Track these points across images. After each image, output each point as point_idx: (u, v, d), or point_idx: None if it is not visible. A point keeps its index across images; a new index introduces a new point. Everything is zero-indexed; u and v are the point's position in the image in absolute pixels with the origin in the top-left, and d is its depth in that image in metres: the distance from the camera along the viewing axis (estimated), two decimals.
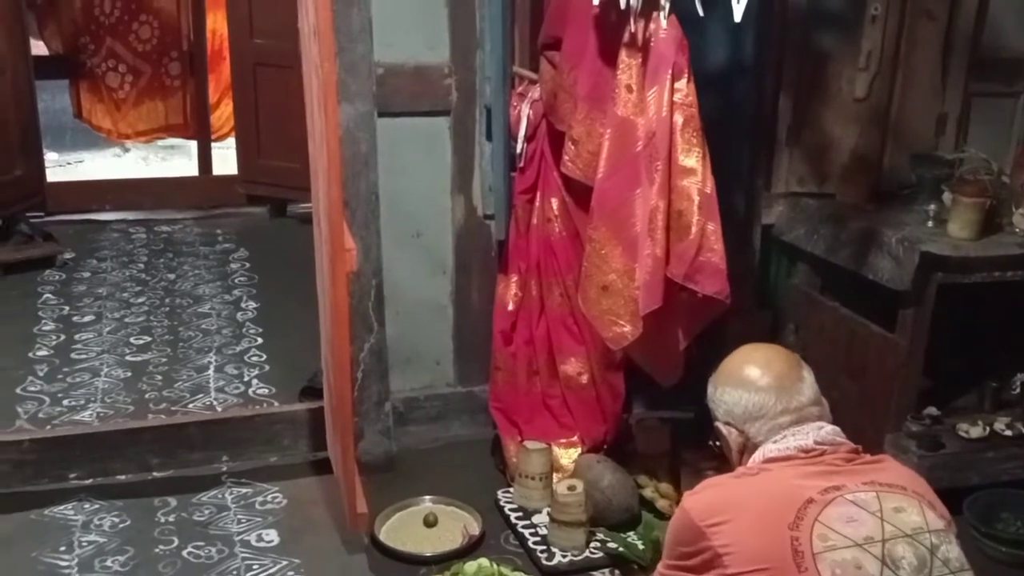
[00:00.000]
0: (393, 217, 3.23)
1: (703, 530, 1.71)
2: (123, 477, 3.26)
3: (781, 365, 1.90)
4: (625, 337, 2.87)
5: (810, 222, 3.46)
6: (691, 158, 2.72)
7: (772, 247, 3.61)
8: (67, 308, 4.69)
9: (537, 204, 3.19)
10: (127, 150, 7.76)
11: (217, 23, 6.55)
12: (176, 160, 7.70)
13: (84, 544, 2.97)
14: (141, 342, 4.34)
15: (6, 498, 3.12)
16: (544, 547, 2.94)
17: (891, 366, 3.12)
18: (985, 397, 3.44)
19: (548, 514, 3.00)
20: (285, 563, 2.90)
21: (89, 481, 3.23)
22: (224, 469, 3.35)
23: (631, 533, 2.99)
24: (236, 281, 5.12)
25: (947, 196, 3.24)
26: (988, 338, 3.47)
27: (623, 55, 2.77)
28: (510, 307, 3.29)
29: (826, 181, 3.53)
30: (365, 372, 3.27)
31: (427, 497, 3.17)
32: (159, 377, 4.01)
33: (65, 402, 3.78)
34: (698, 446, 3.08)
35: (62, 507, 3.13)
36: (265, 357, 4.21)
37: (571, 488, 2.93)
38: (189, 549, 2.96)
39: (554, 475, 3.15)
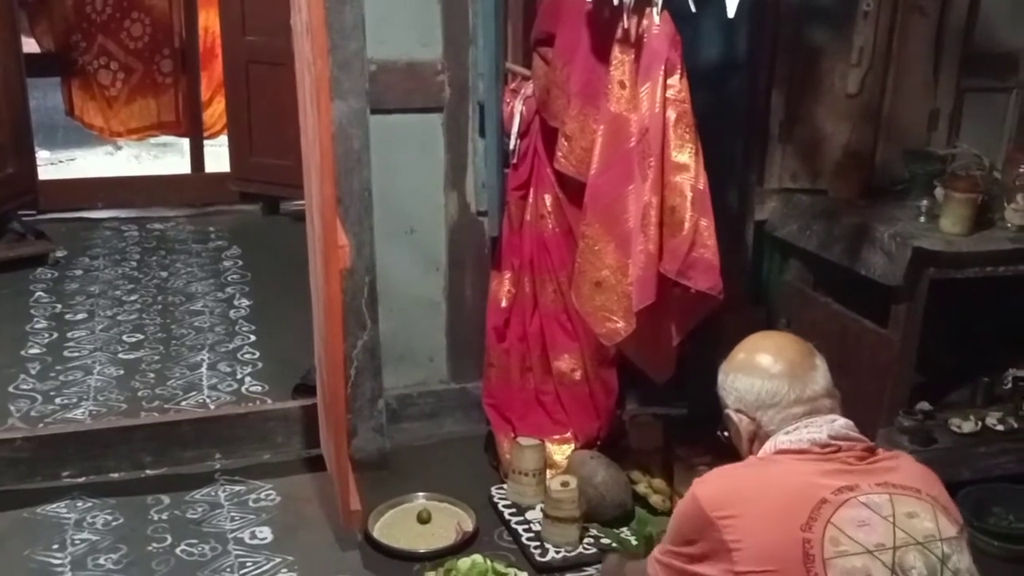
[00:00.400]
0: (386, 214, 3.23)
1: (713, 521, 1.68)
2: (116, 475, 3.26)
3: (794, 353, 1.87)
4: (618, 333, 2.87)
5: (803, 218, 3.47)
6: (684, 154, 2.71)
7: (765, 243, 3.62)
8: (59, 306, 4.68)
9: (530, 200, 3.19)
10: (119, 148, 7.74)
11: (209, 20, 6.54)
12: (168, 158, 7.68)
13: (77, 542, 2.96)
14: (134, 340, 4.34)
15: None
16: (538, 543, 2.94)
17: (883, 361, 3.12)
18: (977, 392, 3.45)
19: (542, 510, 3.00)
20: (279, 560, 2.89)
21: (82, 479, 3.22)
22: (217, 467, 3.35)
23: (624, 529, 3.00)
24: (229, 279, 5.11)
25: (939, 192, 3.25)
26: (980, 333, 3.48)
27: (616, 51, 2.77)
28: (503, 303, 3.29)
29: (819, 177, 3.53)
30: (358, 369, 3.27)
31: (421, 494, 3.17)
32: (152, 375, 4.01)
33: (58, 400, 3.77)
34: (691, 442, 3.09)
35: (55, 505, 3.12)
36: (258, 354, 4.21)
37: (564, 484, 2.93)
38: (182, 547, 2.95)
39: (547, 471, 3.15)
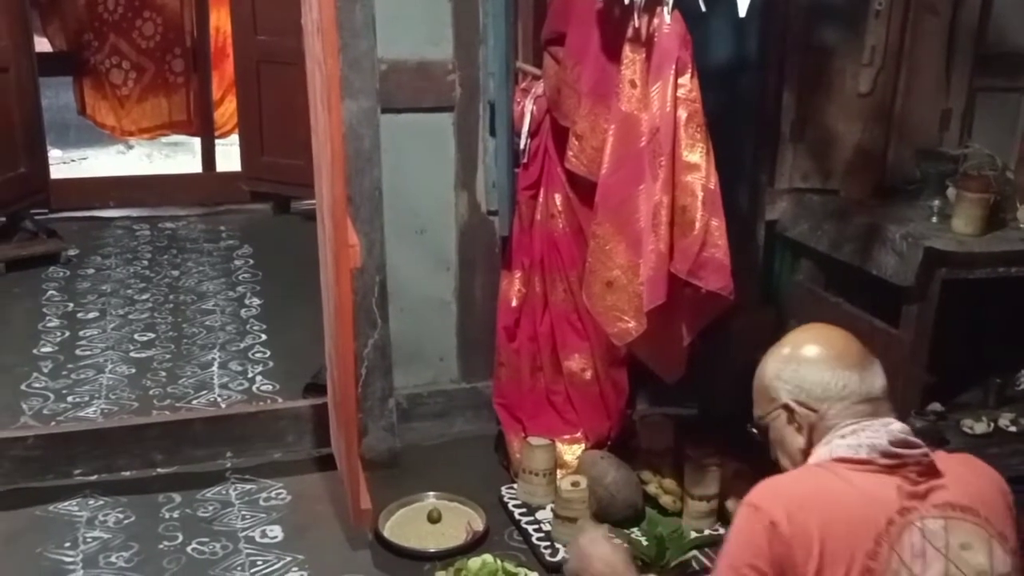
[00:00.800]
0: (397, 213, 3.23)
1: (788, 541, 1.59)
2: (127, 473, 3.27)
3: (858, 347, 1.80)
4: (629, 333, 2.87)
5: (814, 218, 3.46)
6: (695, 154, 2.71)
7: (776, 243, 3.61)
8: (71, 305, 4.70)
9: (541, 200, 3.19)
10: (131, 147, 7.78)
11: (220, 20, 6.57)
12: (180, 157, 7.71)
13: (89, 540, 2.97)
14: (145, 339, 4.35)
15: (11, 494, 3.13)
16: (548, 543, 2.94)
17: (895, 362, 3.09)
18: (989, 393, 3.44)
19: (552, 510, 3.00)
20: (289, 559, 2.90)
21: (94, 477, 3.23)
22: (228, 465, 3.36)
23: (635, 529, 2.99)
24: (240, 278, 5.13)
25: (951, 192, 3.24)
26: (992, 334, 3.46)
27: (627, 50, 2.77)
28: (514, 303, 3.29)
29: (830, 177, 3.52)
30: (369, 368, 3.27)
31: (431, 493, 3.17)
32: (163, 373, 4.02)
33: (69, 398, 3.79)
34: (702, 442, 3.09)
35: (67, 503, 3.14)
36: (269, 353, 4.22)
37: (575, 484, 2.93)
38: (193, 545, 2.96)
39: (558, 471, 3.15)
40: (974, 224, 3.08)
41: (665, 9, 2.66)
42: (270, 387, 3.91)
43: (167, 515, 3.11)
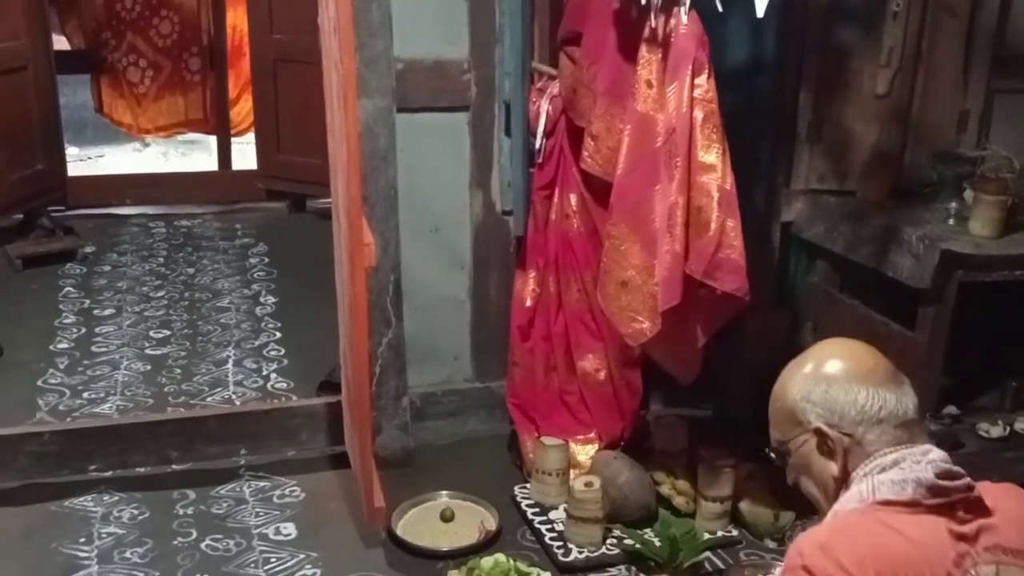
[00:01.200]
0: (412, 212, 3.23)
1: None
2: (142, 469, 3.28)
3: (887, 364, 1.66)
4: (644, 333, 2.86)
5: (830, 219, 3.44)
6: (711, 154, 2.71)
7: (791, 244, 3.59)
8: (87, 301, 4.72)
9: (556, 200, 3.19)
10: (147, 145, 7.81)
11: (237, 18, 6.59)
12: (196, 155, 7.74)
13: (103, 536, 2.99)
14: (160, 336, 4.37)
15: (27, 489, 3.15)
16: (561, 543, 2.94)
17: (911, 365, 3.07)
18: (1006, 396, 3.42)
19: (565, 510, 3.00)
20: (303, 556, 2.91)
21: (109, 473, 3.25)
22: (242, 462, 3.37)
23: (648, 530, 2.98)
24: (255, 276, 5.14)
25: (968, 194, 3.22)
26: (1009, 337, 3.44)
27: (643, 50, 2.76)
28: (528, 303, 3.29)
29: (846, 178, 3.51)
30: (383, 367, 3.27)
31: (444, 492, 3.17)
32: (178, 371, 4.04)
33: (85, 395, 3.80)
34: (716, 443, 3.08)
35: (82, 499, 3.15)
36: (283, 351, 4.23)
37: (588, 484, 2.93)
38: (207, 542, 2.97)
39: (571, 471, 3.15)
40: (991, 226, 3.06)
41: (682, 9, 2.65)
42: (284, 385, 3.92)
43: (181, 511, 3.12)
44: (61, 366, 4.03)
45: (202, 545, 2.95)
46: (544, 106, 3.17)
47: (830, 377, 1.63)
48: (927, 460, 1.56)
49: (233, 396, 3.83)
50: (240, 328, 4.47)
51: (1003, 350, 3.45)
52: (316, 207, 6.00)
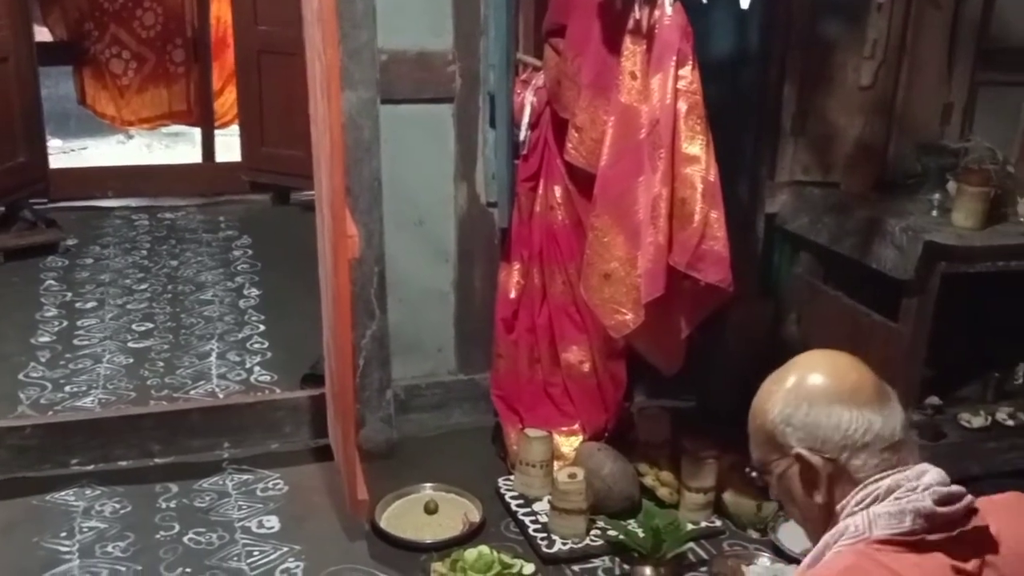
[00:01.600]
0: (395, 204, 3.22)
1: None
2: (124, 463, 3.27)
3: (871, 376, 1.54)
4: (627, 325, 2.86)
5: (814, 211, 3.45)
6: (695, 146, 2.70)
7: (775, 236, 3.60)
8: (69, 294, 4.69)
9: (540, 192, 3.18)
10: (131, 137, 7.76)
11: (221, 10, 6.55)
12: (179, 147, 7.70)
13: (85, 530, 2.97)
14: (143, 329, 4.35)
15: (8, 484, 3.13)
16: (544, 535, 2.94)
17: (894, 355, 3.10)
18: (988, 387, 3.44)
19: (549, 502, 3.00)
20: (286, 549, 2.90)
21: (91, 467, 3.23)
22: (225, 455, 3.35)
23: (631, 521, 2.99)
24: (239, 268, 5.12)
25: (952, 185, 3.23)
26: (991, 328, 3.46)
27: (627, 42, 2.76)
28: (512, 295, 3.29)
29: (830, 170, 3.51)
30: (367, 359, 3.26)
31: (428, 484, 3.17)
32: (161, 364, 4.02)
33: (67, 388, 3.78)
34: (699, 434, 3.09)
35: (63, 493, 3.13)
36: (267, 344, 4.21)
37: (572, 476, 2.93)
38: (190, 535, 2.96)
39: (555, 463, 3.15)
40: (974, 218, 3.08)
41: (666, 1, 2.65)
42: (268, 377, 3.91)
43: (164, 505, 3.10)
44: (43, 359, 4.01)
45: (185, 538, 2.94)
46: (529, 98, 3.17)
47: (812, 397, 1.51)
48: (923, 486, 1.45)
49: (216, 389, 3.81)
50: (223, 321, 4.45)
51: (986, 341, 3.47)
52: (300, 199, 5.97)
